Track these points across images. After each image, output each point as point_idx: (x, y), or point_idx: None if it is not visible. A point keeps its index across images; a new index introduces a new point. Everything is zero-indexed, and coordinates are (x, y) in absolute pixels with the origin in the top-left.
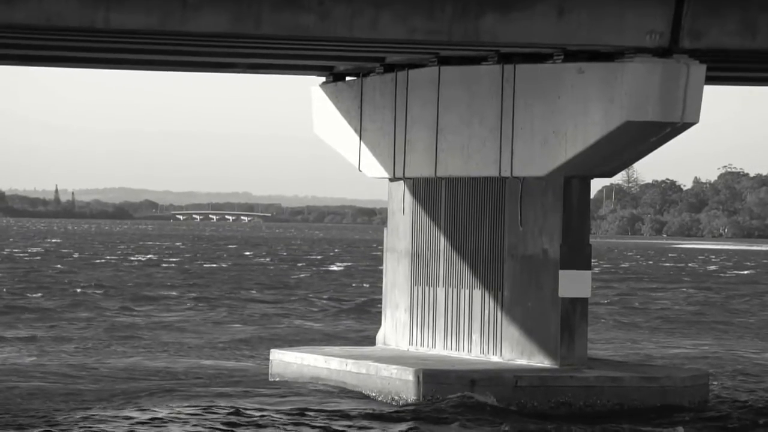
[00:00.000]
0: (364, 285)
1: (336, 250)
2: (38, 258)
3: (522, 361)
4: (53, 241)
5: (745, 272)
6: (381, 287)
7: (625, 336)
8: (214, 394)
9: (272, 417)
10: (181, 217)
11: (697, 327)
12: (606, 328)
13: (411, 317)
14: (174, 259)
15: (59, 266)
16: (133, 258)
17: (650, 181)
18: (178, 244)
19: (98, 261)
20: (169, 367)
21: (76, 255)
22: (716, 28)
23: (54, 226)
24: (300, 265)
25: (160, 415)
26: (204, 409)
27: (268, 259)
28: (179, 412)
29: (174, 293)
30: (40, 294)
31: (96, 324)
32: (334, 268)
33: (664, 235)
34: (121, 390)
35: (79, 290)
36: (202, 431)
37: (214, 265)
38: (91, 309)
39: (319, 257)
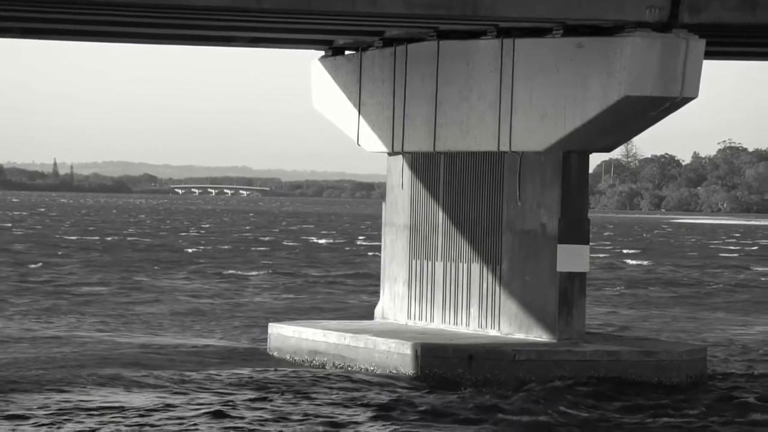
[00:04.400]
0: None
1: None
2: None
3: (520, 336)
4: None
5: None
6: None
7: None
8: (212, 371)
9: (269, 390)
10: (179, 191)
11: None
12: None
13: (409, 291)
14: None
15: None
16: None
17: (649, 156)
18: (180, 218)
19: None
20: (161, 343)
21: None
22: (716, 3)
23: (46, 199)
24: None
25: (157, 393)
26: (202, 385)
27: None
28: (176, 389)
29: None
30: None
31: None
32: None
33: (663, 210)
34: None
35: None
36: (201, 408)
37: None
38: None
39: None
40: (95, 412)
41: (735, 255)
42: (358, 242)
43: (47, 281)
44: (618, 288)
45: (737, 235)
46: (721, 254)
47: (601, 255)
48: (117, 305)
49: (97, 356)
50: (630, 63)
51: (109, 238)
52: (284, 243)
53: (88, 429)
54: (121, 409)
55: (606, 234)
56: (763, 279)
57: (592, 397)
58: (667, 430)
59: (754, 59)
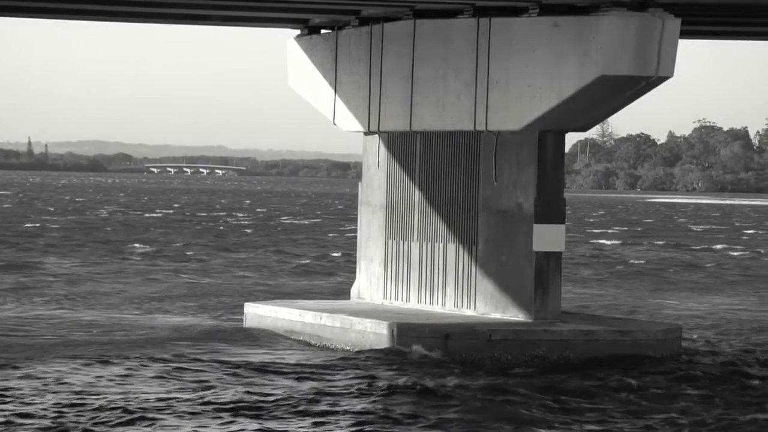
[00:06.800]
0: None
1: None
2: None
3: (496, 315)
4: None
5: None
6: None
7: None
8: (182, 349)
9: (243, 371)
10: (155, 170)
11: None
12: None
13: (385, 271)
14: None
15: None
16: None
17: (625, 135)
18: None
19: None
20: (134, 321)
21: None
22: None
23: (29, 180)
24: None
25: (133, 371)
26: (174, 363)
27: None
28: (149, 367)
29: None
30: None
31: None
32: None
33: (638, 189)
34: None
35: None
36: (173, 386)
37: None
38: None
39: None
40: (57, 392)
41: (719, 236)
42: (330, 221)
43: (11, 259)
44: (592, 269)
45: (716, 214)
46: (690, 234)
47: (575, 234)
48: (83, 284)
49: (62, 335)
50: (606, 42)
51: (73, 217)
52: (262, 223)
53: (46, 408)
54: (84, 392)
55: (581, 214)
56: (729, 258)
57: (567, 376)
58: (646, 408)
59: (729, 38)
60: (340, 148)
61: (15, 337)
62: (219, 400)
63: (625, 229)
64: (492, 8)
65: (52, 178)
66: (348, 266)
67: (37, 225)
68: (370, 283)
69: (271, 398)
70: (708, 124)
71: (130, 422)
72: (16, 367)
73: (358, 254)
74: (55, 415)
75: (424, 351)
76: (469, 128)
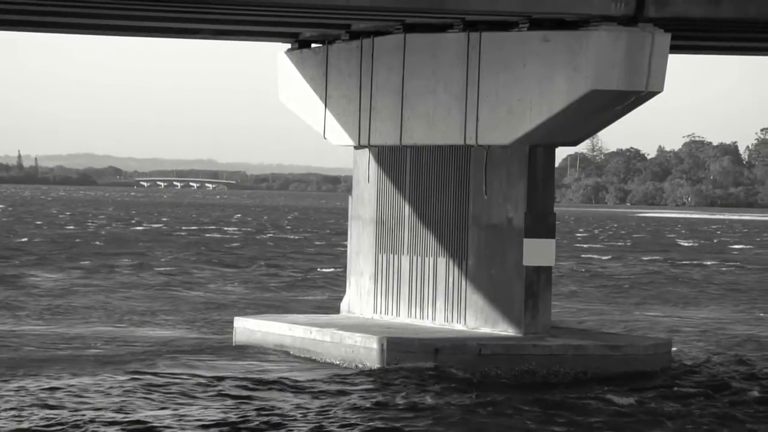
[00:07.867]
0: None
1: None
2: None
3: (486, 330)
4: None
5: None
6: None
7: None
8: (170, 363)
9: (230, 385)
10: (145, 184)
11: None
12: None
13: (375, 285)
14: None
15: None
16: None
17: (614, 150)
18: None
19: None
20: (121, 335)
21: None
22: None
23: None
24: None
25: (120, 386)
26: (161, 378)
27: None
28: (136, 381)
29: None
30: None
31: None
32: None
33: (628, 204)
34: (87, 358)
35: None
36: (162, 398)
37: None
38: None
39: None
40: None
41: (707, 252)
42: (321, 236)
43: None
44: (580, 282)
45: (704, 229)
46: (678, 248)
47: (563, 248)
48: (69, 297)
49: (48, 349)
50: (596, 57)
51: (61, 231)
52: (251, 237)
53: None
54: (69, 407)
55: (567, 229)
56: (716, 272)
57: (556, 390)
58: (636, 422)
59: (719, 53)
60: (330, 162)
61: (1, 352)
62: (206, 416)
63: (614, 243)
64: (482, 23)
65: (42, 192)
66: (338, 280)
67: (24, 240)
68: (360, 297)
69: (259, 413)
70: (698, 138)
71: None
72: (3, 381)
73: (348, 268)
74: (39, 430)
75: (413, 365)
76: (459, 142)
